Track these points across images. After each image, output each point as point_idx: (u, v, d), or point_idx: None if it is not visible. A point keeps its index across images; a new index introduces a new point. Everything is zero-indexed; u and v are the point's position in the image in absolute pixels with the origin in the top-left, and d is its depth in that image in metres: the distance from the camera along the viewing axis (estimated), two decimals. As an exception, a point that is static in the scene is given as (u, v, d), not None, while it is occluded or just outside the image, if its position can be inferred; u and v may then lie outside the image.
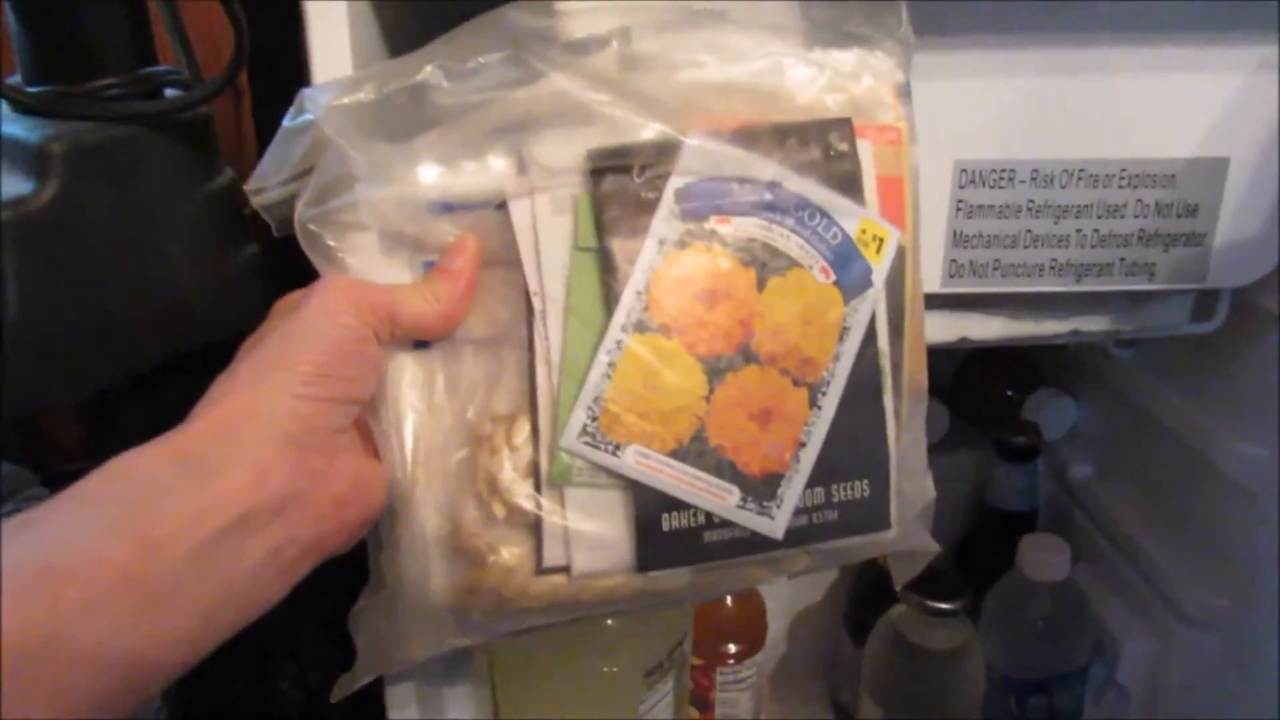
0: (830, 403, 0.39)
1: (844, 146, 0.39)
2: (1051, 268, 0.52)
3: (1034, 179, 0.51)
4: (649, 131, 0.38)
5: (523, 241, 0.38)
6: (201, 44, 0.52)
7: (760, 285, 0.38)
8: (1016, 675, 0.70)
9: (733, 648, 0.75)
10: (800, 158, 0.39)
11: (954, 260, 0.52)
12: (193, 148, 0.47)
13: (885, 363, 0.40)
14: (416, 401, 0.38)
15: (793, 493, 0.39)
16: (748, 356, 0.38)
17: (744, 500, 0.38)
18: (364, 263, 0.38)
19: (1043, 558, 0.68)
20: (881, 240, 0.40)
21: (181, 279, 0.46)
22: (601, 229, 0.38)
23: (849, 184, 0.39)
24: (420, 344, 0.38)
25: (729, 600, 0.74)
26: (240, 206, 0.44)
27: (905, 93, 0.41)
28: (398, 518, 0.38)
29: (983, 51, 0.48)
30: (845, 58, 0.40)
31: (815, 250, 0.39)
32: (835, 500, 0.39)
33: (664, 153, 0.38)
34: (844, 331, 0.39)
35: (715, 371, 0.38)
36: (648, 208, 0.38)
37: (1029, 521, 0.78)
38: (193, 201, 0.47)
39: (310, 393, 0.34)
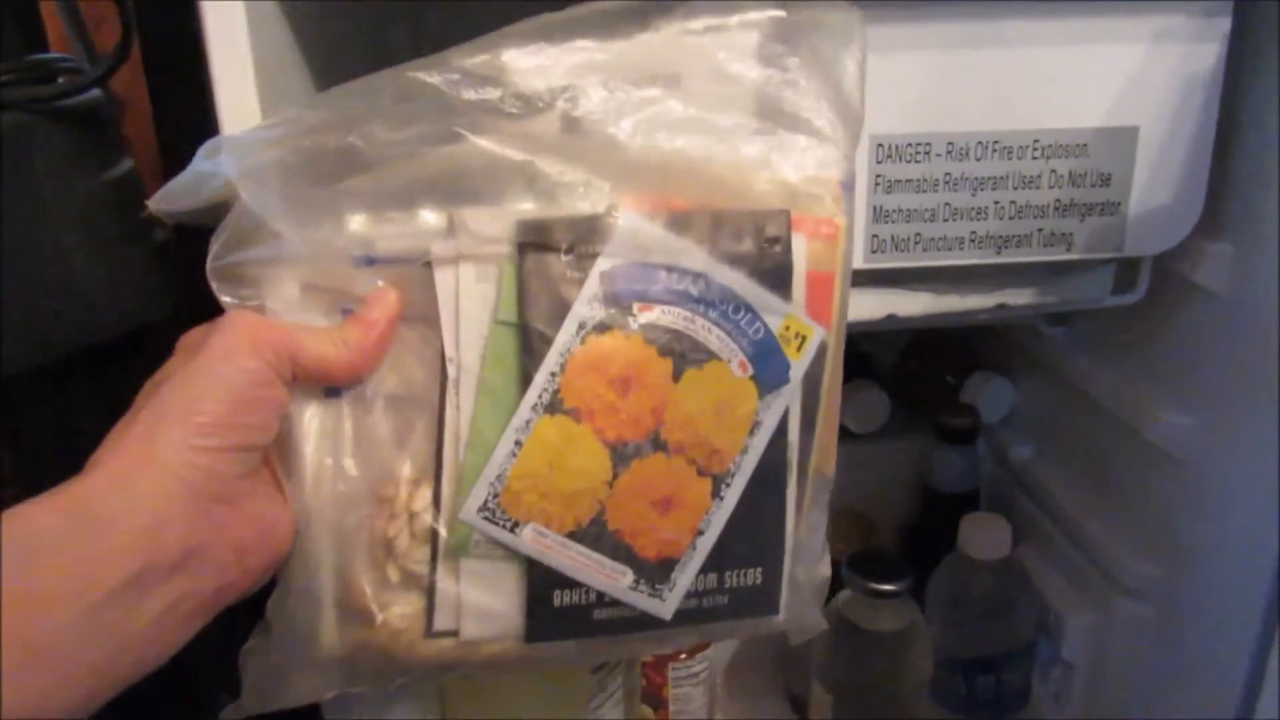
0: (733, 494, 0.40)
1: (778, 240, 0.39)
2: (971, 240, 0.52)
3: (949, 152, 0.51)
4: (584, 204, 0.38)
5: (444, 307, 0.37)
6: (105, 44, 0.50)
7: (676, 376, 0.38)
8: (963, 655, 0.71)
9: (684, 642, 0.74)
10: (732, 248, 0.38)
11: (875, 236, 0.52)
12: (88, 135, 0.46)
13: (793, 455, 0.41)
14: (321, 452, 0.38)
15: (686, 577, 0.40)
16: (656, 444, 0.38)
17: (636, 582, 0.39)
18: (282, 309, 0.37)
19: (983, 537, 0.69)
20: (804, 338, 0.40)
21: (79, 270, 0.45)
22: (523, 304, 0.37)
23: (778, 279, 0.39)
24: (331, 392, 0.38)
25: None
26: (142, 197, 0.42)
27: (849, 186, 0.41)
28: (292, 567, 0.38)
29: (894, 25, 0.48)
30: (792, 143, 0.40)
31: (735, 345, 0.39)
32: (727, 586, 0.40)
33: (594, 231, 0.37)
34: (755, 425, 0.39)
35: (621, 458, 0.38)
36: (571, 288, 0.37)
37: (971, 503, 0.78)
38: (89, 190, 0.46)
39: (210, 444, 0.34)
